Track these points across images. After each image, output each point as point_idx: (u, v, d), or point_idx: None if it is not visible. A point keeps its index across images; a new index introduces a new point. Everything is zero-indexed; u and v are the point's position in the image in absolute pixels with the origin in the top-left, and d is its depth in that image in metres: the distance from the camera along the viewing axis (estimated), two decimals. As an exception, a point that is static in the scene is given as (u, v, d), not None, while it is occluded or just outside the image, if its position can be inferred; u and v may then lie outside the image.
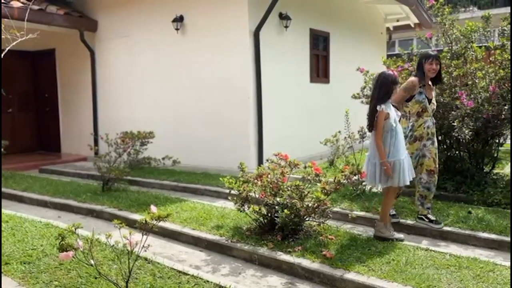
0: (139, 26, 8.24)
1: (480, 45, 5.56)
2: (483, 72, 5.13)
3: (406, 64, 5.77)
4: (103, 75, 9.03)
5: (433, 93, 4.44)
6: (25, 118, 10.29)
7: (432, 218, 4.34)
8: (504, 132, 5.48)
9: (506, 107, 4.99)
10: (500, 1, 17.33)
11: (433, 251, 3.74)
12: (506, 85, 5.03)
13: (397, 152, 3.89)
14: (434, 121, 4.42)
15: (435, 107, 4.47)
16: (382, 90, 3.88)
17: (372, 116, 3.90)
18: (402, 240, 4.01)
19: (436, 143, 4.40)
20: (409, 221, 4.50)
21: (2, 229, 4.34)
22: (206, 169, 7.30)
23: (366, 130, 4.11)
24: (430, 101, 4.33)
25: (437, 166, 4.39)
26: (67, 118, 9.89)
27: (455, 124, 4.80)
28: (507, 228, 4.12)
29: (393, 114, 3.90)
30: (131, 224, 3.98)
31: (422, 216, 4.39)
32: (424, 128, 4.28)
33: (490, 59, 5.35)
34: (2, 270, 3.37)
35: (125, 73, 8.63)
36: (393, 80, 3.90)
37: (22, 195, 6.16)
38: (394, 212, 4.50)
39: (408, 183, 3.99)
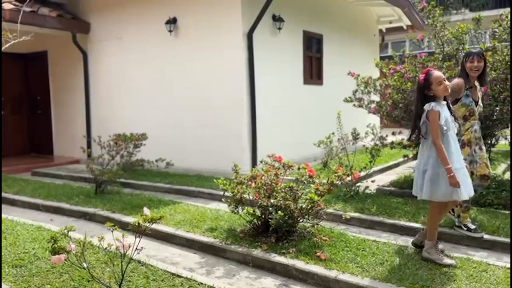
0: (132, 28, 8.22)
1: (472, 46, 5.61)
2: (475, 73, 5.16)
3: (398, 66, 5.80)
4: (96, 77, 8.99)
5: (479, 94, 4.11)
6: (17, 121, 10.21)
7: (472, 226, 4.09)
8: (496, 133, 5.53)
9: (497, 108, 5.03)
10: (491, 3, 17.49)
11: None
12: (498, 86, 5.08)
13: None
14: (480, 124, 4.12)
15: (481, 109, 4.18)
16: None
17: (416, 120, 3.48)
18: (454, 267, 3.41)
19: (483, 147, 4.10)
20: (403, 222, 4.52)
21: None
22: (200, 171, 7.29)
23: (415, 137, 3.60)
24: (476, 103, 4.02)
25: (490, 171, 4.10)
26: (59, 121, 9.83)
27: (447, 125, 4.82)
28: (500, 228, 4.14)
29: (446, 115, 3.43)
30: (124, 226, 3.96)
31: (462, 225, 4.12)
32: (471, 132, 3.99)
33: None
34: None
35: (118, 75, 8.60)
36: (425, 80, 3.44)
37: (14, 198, 6.11)
38: (474, 226, 4.09)
39: (458, 199, 3.48)
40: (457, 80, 3.96)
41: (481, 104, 4.12)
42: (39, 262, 3.56)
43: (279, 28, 7.50)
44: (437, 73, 3.44)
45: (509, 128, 5.42)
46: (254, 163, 7.02)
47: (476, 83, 4.05)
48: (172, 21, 7.54)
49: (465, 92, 3.94)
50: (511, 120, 4.97)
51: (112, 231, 2.69)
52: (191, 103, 7.58)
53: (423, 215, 4.52)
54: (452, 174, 3.28)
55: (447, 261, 3.47)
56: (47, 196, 6.03)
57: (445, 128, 3.37)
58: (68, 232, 2.69)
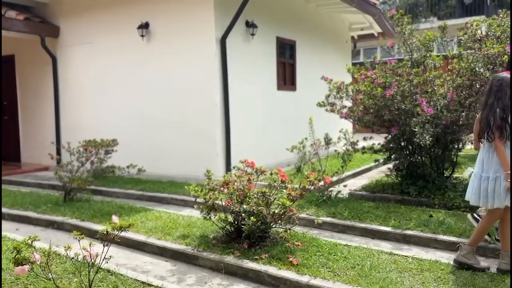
0: (103, 32, 8.08)
1: (439, 54, 5.77)
2: (442, 79, 5.32)
3: (369, 72, 5.91)
4: (66, 82, 8.78)
5: None
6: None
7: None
8: (462, 137, 5.69)
9: (463, 114, 5.19)
10: (458, 12, 18.08)
11: (396, 254, 3.81)
12: (464, 92, 5.24)
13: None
14: None
15: None
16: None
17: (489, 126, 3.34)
18: (488, 269, 3.45)
19: None
20: (374, 226, 4.58)
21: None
22: (173, 178, 7.21)
23: (486, 140, 3.41)
24: None
25: None
26: (27, 127, 9.55)
27: (416, 130, 4.94)
28: (466, 230, 4.25)
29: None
30: (94, 235, 3.88)
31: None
32: None
33: (448, 67, 5.56)
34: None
35: (88, 80, 8.43)
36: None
37: (-23, 207, 5.88)
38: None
39: None
40: None
41: None
42: (3, 274, 3.43)
43: (252, 34, 7.52)
44: None
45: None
46: (228, 168, 6.99)
47: None
48: (144, 26, 7.46)
49: None
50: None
51: (79, 240, 2.62)
52: (164, 108, 7.49)
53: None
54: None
55: (484, 264, 3.50)
56: (13, 205, 5.84)
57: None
58: (32, 242, 2.61)
